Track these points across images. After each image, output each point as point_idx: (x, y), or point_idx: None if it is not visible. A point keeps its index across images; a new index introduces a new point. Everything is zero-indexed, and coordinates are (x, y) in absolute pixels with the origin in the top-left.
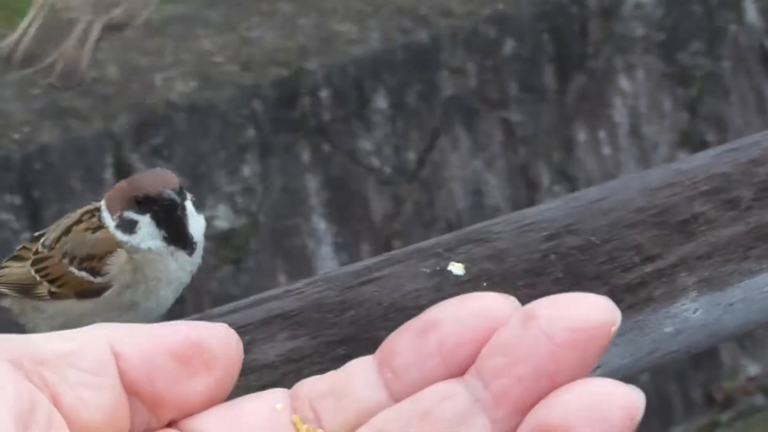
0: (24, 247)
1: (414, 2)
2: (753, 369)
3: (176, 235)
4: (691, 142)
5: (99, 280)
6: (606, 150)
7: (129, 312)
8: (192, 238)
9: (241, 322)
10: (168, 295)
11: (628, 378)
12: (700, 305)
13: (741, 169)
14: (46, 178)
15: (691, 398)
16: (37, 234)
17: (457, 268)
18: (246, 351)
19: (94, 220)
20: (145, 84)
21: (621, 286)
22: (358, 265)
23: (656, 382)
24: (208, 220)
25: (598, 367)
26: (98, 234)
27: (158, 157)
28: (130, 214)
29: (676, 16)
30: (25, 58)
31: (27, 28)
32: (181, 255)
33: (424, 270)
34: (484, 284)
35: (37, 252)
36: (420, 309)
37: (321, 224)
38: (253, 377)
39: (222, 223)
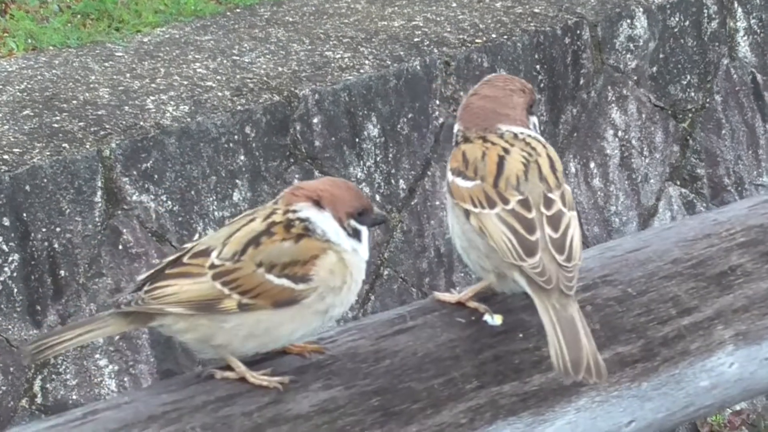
0: (184, 263)
1: (407, 30)
2: (738, 404)
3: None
4: (682, 175)
5: (301, 286)
6: (597, 182)
7: (320, 318)
8: None
9: (274, 371)
10: (352, 302)
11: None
12: (736, 359)
13: None
14: (36, 200)
15: None
16: (187, 248)
17: (492, 319)
18: (279, 401)
19: (293, 230)
20: (137, 107)
21: (657, 339)
22: (391, 313)
23: None
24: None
25: (632, 421)
26: (302, 242)
27: (149, 181)
28: (355, 224)
29: (669, 50)
30: None
31: None
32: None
33: (460, 320)
34: (520, 335)
35: (213, 266)
36: (456, 359)
37: None
38: (286, 428)
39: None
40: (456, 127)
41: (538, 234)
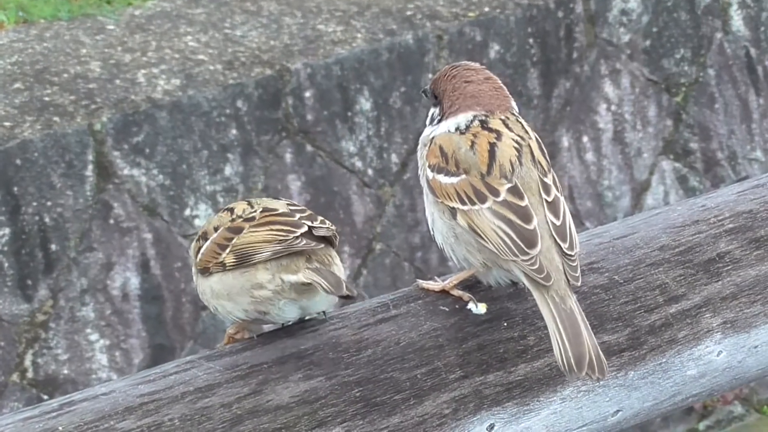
0: None
1: (400, 3)
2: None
3: None
4: (675, 150)
5: None
6: (589, 156)
7: None
8: None
9: (253, 361)
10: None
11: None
12: (724, 348)
13: (767, 207)
14: (27, 174)
15: None
16: None
17: (477, 307)
18: (259, 392)
19: None
20: (128, 81)
21: (644, 327)
22: (374, 302)
23: None
24: (189, 220)
25: (618, 411)
26: None
27: (140, 155)
28: None
29: (662, 23)
30: None
31: None
32: None
33: (443, 308)
34: (505, 324)
35: None
36: (439, 349)
37: None
38: (266, 419)
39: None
40: (468, 115)
41: (536, 221)
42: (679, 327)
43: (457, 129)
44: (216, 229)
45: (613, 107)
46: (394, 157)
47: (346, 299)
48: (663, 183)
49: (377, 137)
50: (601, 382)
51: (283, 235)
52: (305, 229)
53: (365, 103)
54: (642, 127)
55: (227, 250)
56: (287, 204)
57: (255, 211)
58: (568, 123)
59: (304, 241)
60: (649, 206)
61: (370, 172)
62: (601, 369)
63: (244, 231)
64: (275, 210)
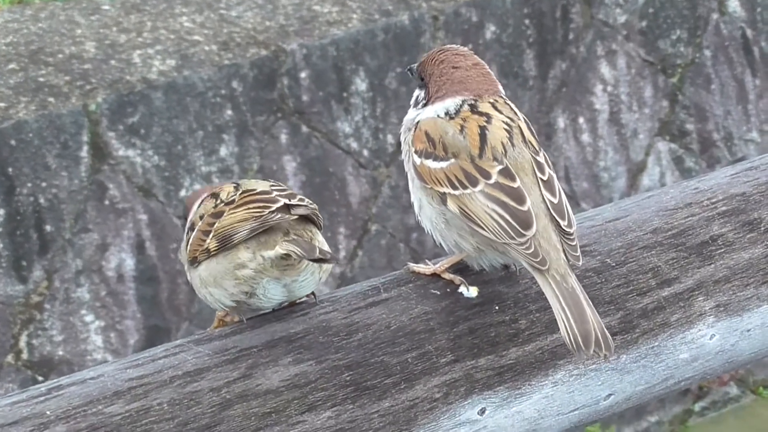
0: None
1: None
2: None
3: None
4: (671, 131)
5: None
6: (585, 137)
7: None
8: None
9: (243, 345)
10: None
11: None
12: (717, 331)
13: (761, 189)
14: (22, 155)
15: None
16: None
17: (468, 291)
18: (248, 376)
19: None
20: (123, 61)
21: (636, 310)
22: (365, 285)
23: None
24: (184, 201)
25: (610, 394)
26: None
27: (135, 135)
28: None
29: (659, 4)
30: None
31: None
32: None
33: (434, 291)
34: (496, 307)
35: None
36: (430, 333)
37: None
38: (256, 403)
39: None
40: (457, 99)
41: (529, 202)
42: (671, 310)
43: (446, 113)
44: (201, 218)
45: (609, 88)
46: (389, 138)
47: (320, 262)
48: (659, 164)
49: (373, 118)
50: (593, 366)
51: (259, 212)
52: (280, 203)
53: (361, 84)
54: (638, 108)
55: (210, 236)
56: (271, 185)
57: (236, 194)
58: (564, 104)
59: (279, 215)
60: (645, 187)
61: (365, 153)
62: (608, 346)
63: (225, 214)
64: (254, 190)
